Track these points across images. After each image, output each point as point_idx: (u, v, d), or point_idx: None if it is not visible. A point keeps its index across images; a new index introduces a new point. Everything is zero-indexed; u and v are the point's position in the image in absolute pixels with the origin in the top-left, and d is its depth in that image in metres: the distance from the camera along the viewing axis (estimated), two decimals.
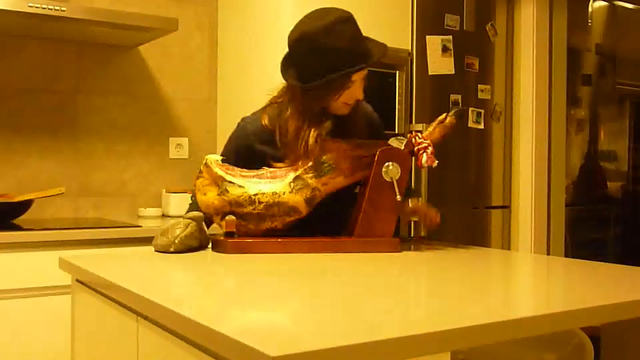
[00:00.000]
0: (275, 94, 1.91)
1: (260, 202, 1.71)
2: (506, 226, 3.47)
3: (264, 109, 1.92)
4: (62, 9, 2.42)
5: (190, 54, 3.18)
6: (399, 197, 1.78)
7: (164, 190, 3.01)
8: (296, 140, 1.79)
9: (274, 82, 1.91)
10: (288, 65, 1.82)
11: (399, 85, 3.01)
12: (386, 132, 2.20)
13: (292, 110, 1.81)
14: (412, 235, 3.04)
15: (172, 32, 2.75)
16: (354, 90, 1.79)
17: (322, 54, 1.72)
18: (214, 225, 1.84)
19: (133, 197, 3.05)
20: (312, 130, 1.78)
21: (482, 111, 3.30)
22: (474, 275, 1.48)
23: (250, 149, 1.87)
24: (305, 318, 1.02)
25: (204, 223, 1.80)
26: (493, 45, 3.38)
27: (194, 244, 1.73)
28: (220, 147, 2.13)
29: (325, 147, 1.79)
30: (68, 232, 2.32)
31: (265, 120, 1.87)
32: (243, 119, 1.94)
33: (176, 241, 1.69)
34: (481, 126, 3.30)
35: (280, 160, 1.82)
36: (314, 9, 1.82)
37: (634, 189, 4.37)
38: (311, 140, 1.77)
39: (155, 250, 1.71)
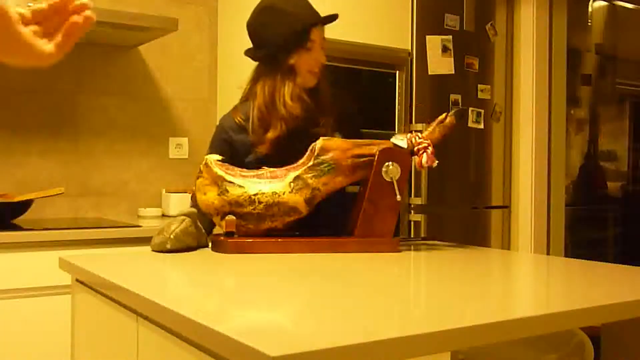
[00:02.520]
0: (243, 87, 2.00)
1: (260, 202, 1.71)
2: (506, 226, 3.46)
3: (235, 107, 2.00)
4: None
5: (190, 53, 3.18)
6: (399, 197, 1.78)
7: (164, 190, 3.01)
8: (273, 105, 1.87)
9: None
10: (252, 48, 1.97)
11: (398, 85, 3.01)
12: (385, 131, 2.19)
13: (261, 83, 1.91)
14: (412, 235, 3.04)
15: (172, 32, 2.75)
16: (316, 54, 1.89)
17: (282, 19, 1.86)
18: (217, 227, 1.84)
19: (133, 197, 3.05)
20: (287, 86, 1.87)
21: (482, 111, 3.30)
22: (474, 275, 1.47)
23: (229, 143, 1.95)
24: (305, 318, 1.02)
25: (198, 221, 1.79)
26: (493, 45, 3.38)
27: (191, 241, 1.72)
28: None
29: (325, 147, 1.78)
30: (68, 232, 2.32)
31: (238, 116, 1.95)
32: (220, 119, 2.04)
33: (172, 237, 1.68)
34: (481, 126, 3.30)
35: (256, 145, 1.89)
36: None
37: (634, 189, 4.37)
38: (287, 97, 1.86)
39: (153, 250, 1.71)
